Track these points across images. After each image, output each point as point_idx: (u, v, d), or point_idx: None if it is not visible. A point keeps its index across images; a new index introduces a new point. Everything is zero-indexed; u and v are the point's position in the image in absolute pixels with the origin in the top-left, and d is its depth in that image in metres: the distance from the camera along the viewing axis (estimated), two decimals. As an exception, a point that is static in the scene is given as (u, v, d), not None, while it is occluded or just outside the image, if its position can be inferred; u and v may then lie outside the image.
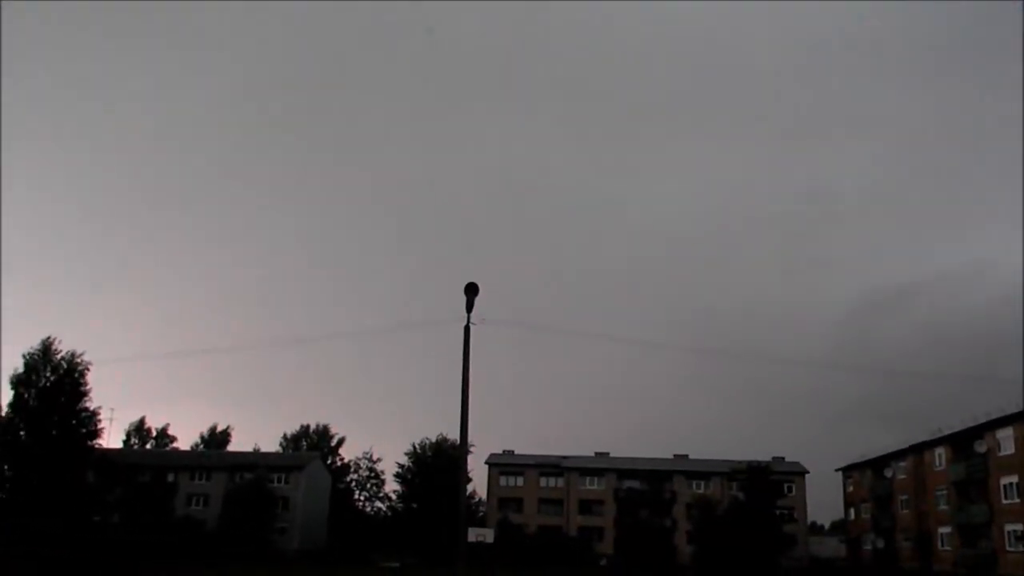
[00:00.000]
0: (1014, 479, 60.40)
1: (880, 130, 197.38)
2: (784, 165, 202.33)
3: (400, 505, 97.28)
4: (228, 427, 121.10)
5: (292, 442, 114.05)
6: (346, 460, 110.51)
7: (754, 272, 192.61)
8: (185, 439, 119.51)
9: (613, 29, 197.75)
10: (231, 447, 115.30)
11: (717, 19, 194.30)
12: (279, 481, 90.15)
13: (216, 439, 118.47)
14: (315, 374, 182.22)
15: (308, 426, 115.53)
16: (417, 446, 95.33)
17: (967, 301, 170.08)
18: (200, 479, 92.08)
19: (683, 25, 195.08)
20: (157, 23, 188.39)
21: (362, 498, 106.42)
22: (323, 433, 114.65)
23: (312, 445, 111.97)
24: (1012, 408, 60.54)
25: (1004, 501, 61.83)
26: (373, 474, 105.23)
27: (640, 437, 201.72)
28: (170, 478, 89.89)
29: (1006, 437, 62.04)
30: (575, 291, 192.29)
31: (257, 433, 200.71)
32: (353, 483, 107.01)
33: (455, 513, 26.62)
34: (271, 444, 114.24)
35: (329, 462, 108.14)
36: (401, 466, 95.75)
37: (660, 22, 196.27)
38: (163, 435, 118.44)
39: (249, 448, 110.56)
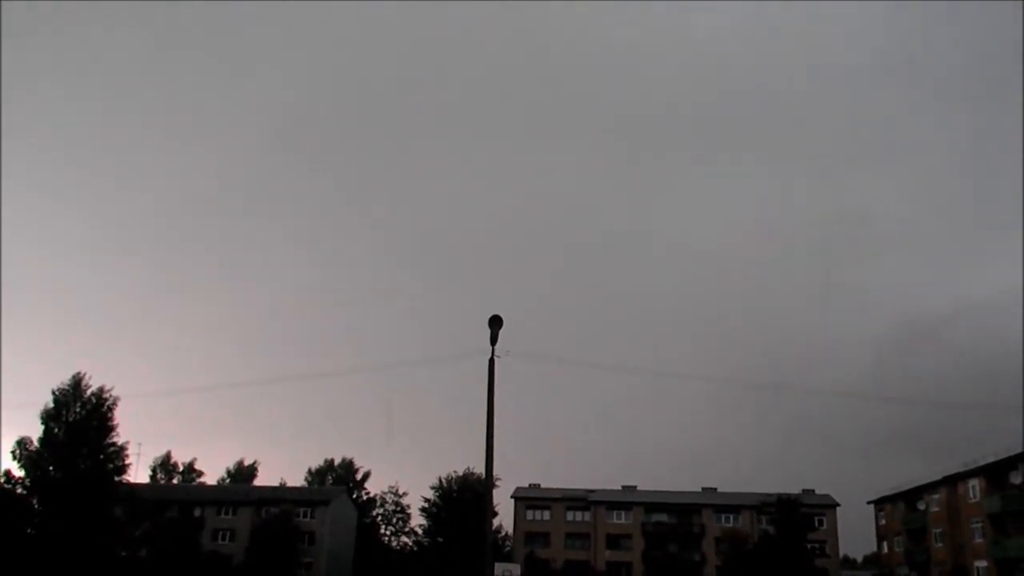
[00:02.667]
0: (1052, 511, 59.27)
1: (914, 157, 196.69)
2: (817, 192, 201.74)
3: (426, 540, 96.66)
4: (255, 462, 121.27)
5: (317, 476, 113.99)
6: (372, 494, 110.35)
7: (784, 301, 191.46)
8: (212, 474, 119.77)
9: (643, 58, 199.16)
10: (257, 482, 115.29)
11: (750, 46, 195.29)
12: (305, 516, 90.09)
13: (242, 473, 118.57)
14: (341, 408, 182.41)
15: (333, 460, 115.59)
16: (443, 480, 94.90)
17: (1001, 330, 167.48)
18: (226, 514, 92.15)
19: (715, 53, 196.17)
20: (196, 61, 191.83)
21: (388, 532, 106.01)
22: (348, 467, 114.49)
23: (337, 479, 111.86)
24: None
25: (1042, 534, 60.62)
26: (399, 508, 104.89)
27: (668, 470, 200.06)
28: (197, 513, 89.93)
29: (1042, 468, 61.00)
30: (602, 322, 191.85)
31: (283, 468, 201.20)
32: (379, 517, 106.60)
33: (481, 548, 26.43)
34: (297, 479, 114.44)
35: (355, 496, 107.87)
36: (427, 500, 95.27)
37: (691, 51, 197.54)
38: (190, 470, 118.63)
39: (275, 483, 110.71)
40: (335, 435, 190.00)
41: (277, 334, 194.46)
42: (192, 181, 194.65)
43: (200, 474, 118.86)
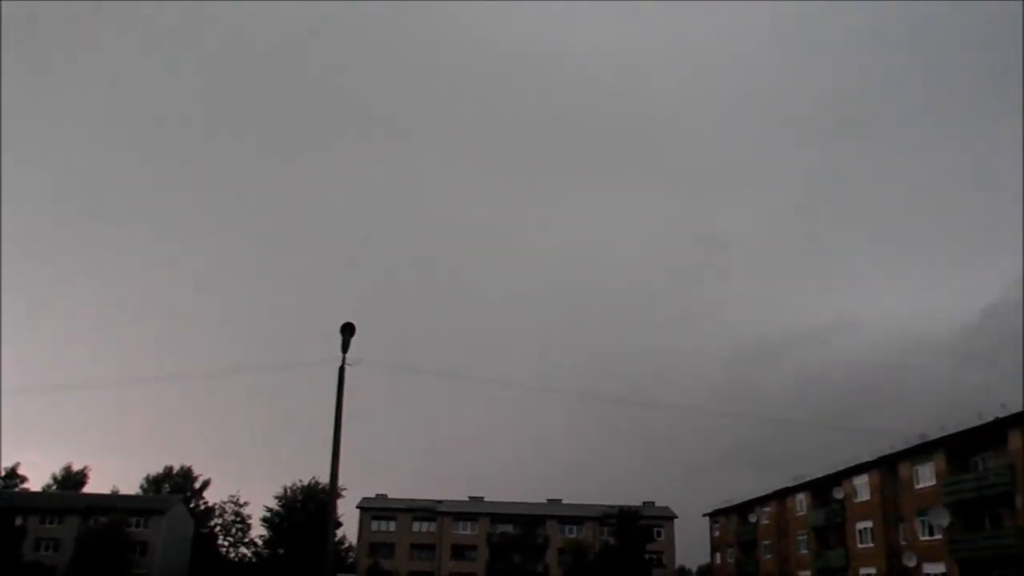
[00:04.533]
0: (869, 524, 63.01)
1: (771, 185, 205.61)
2: (680, 215, 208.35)
3: (266, 551, 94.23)
4: (85, 468, 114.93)
5: (153, 484, 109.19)
6: (211, 504, 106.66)
7: (642, 318, 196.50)
8: (37, 480, 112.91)
9: (515, 70, 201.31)
10: (87, 489, 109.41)
11: (612, 68, 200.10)
12: (138, 525, 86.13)
13: (71, 480, 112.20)
14: (183, 415, 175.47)
15: (171, 468, 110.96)
16: (287, 489, 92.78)
17: (838, 354, 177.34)
18: (51, 522, 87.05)
19: (587, 70, 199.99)
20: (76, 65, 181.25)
21: (227, 543, 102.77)
22: (187, 475, 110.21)
23: (175, 488, 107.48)
24: (868, 456, 63.40)
25: (860, 545, 64.30)
26: (239, 519, 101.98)
27: (516, 482, 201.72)
28: (18, 521, 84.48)
29: (862, 484, 64.72)
30: (456, 333, 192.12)
31: (118, 475, 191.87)
32: (217, 528, 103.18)
33: (322, 559, 25.91)
34: (131, 487, 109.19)
35: (192, 506, 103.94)
36: (269, 510, 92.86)
37: (563, 66, 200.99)
38: (12, 475, 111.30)
39: (107, 490, 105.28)
40: (176, 443, 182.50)
41: (113, 334, 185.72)
42: (38, 179, 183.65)
43: (23, 480, 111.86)
